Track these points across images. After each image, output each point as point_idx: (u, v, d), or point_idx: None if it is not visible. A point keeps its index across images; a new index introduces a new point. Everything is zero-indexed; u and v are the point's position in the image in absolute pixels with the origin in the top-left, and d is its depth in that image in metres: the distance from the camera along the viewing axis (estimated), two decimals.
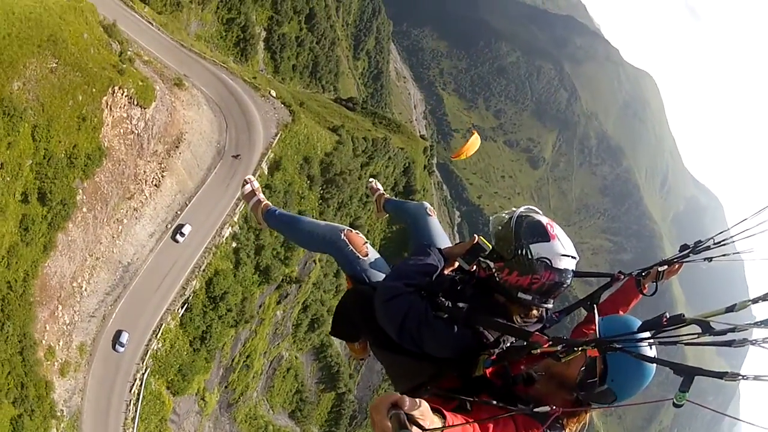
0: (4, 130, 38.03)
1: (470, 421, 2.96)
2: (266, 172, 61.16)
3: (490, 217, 4.23)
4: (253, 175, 58.50)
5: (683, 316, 2.97)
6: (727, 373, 2.56)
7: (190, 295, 52.91)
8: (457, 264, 4.70)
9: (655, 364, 3.28)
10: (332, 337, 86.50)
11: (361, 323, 4.74)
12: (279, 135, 61.78)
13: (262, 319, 66.30)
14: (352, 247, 5.16)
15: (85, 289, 46.83)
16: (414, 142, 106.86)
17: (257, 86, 66.60)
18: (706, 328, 2.82)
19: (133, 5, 63.41)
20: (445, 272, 4.63)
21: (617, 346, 3.05)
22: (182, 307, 52.74)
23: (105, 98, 45.09)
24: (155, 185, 51.25)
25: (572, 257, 3.89)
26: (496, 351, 3.79)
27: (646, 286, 4.87)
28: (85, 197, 45.74)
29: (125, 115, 47.41)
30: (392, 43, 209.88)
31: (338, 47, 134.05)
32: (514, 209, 4.05)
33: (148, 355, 49.66)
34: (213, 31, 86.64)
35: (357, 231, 5.34)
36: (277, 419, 77.47)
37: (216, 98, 59.88)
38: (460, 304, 4.04)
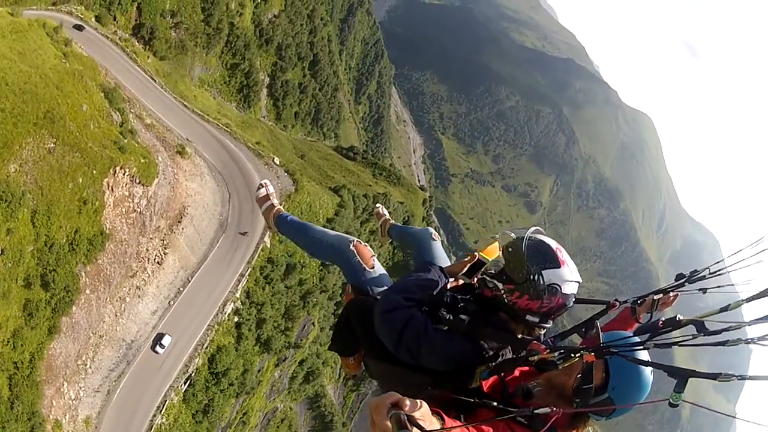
0: (2, 216, 36.94)
1: (469, 424, 3.00)
2: (269, 246, 61.19)
3: (499, 233, 4.27)
4: (256, 246, 59.06)
5: (678, 318, 3.17)
6: (720, 374, 2.62)
7: (192, 372, 52.64)
8: (460, 282, 4.79)
9: (652, 372, 3.40)
10: (325, 388, 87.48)
11: (361, 333, 4.78)
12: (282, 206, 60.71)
13: (260, 381, 66.10)
14: (359, 258, 5.26)
15: (90, 367, 46.35)
16: (413, 195, 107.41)
17: (261, 153, 67.04)
18: (701, 328, 3.00)
19: (136, 58, 64.13)
20: (447, 288, 4.65)
21: (614, 350, 3.12)
22: (185, 384, 52.45)
23: (106, 179, 44.59)
24: (158, 263, 50.95)
25: (578, 282, 3.99)
26: (494, 363, 3.91)
27: (641, 315, 4.91)
28: (87, 280, 45.03)
29: (127, 193, 47.08)
30: (393, 87, 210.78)
31: (340, 93, 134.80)
32: (521, 229, 4.10)
33: (153, 430, 49.15)
34: (217, 76, 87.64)
35: (366, 244, 5.42)
36: None
37: (219, 166, 60.17)
38: (462, 317, 4.09)
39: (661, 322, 3.36)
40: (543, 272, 3.83)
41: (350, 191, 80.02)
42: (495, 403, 3.37)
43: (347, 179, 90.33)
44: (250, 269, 58.50)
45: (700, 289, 4.58)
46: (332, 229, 6.04)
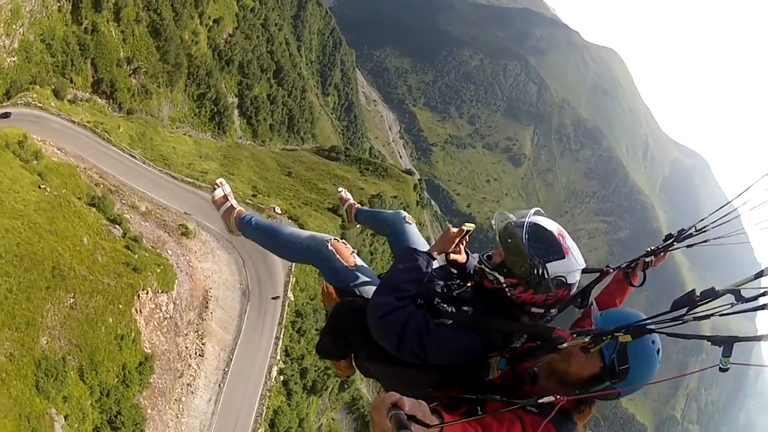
0: (54, 389, 36.17)
1: (472, 419, 2.95)
2: (292, 298, 60.70)
3: (495, 215, 4.07)
4: (282, 304, 58.75)
5: (714, 288, 2.97)
6: (764, 335, 2.55)
7: None
8: (452, 257, 4.51)
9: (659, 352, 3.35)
10: (359, 390, 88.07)
11: (356, 337, 4.54)
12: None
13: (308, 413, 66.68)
14: (339, 257, 4.95)
15: None
16: (404, 184, 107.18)
17: (261, 206, 65.58)
18: (738, 296, 2.82)
19: (110, 138, 61.75)
20: (446, 262, 4.54)
21: (652, 327, 3.00)
22: None
23: (133, 308, 43.80)
24: (199, 355, 50.61)
25: (582, 268, 3.89)
26: (509, 352, 3.76)
27: (637, 275, 4.97)
28: (147, 402, 44.72)
29: (154, 306, 46.57)
30: (357, 70, 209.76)
31: (309, 92, 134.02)
32: (520, 213, 3.91)
33: None
34: (186, 111, 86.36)
35: (344, 240, 5.14)
36: None
37: (224, 233, 58.20)
38: (465, 308, 3.98)
39: (696, 296, 3.02)
40: (547, 265, 3.69)
41: None
42: (498, 397, 3.27)
43: (338, 188, 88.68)
44: (282, 329, 58.36)
45: (688, 246, 4.83)
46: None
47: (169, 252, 50.36)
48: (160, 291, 46.86)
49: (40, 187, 43.93)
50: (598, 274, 4.78)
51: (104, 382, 40.83)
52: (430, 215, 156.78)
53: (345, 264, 4.92)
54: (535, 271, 3.68)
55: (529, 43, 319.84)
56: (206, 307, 52.18)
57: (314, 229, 64.10)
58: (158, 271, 46.66)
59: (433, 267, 4.36)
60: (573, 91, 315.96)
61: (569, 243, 3.78)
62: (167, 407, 46.75)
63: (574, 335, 3.33)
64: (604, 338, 3.11)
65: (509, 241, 3.83)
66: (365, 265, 5.08)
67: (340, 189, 7.69)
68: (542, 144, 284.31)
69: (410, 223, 5.59)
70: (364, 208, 6.87)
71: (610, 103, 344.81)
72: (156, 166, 63.85)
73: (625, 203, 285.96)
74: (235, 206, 5.94)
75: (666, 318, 3.00)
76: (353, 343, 4.67)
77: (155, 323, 46.53)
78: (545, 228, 3.79)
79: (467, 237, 4.48)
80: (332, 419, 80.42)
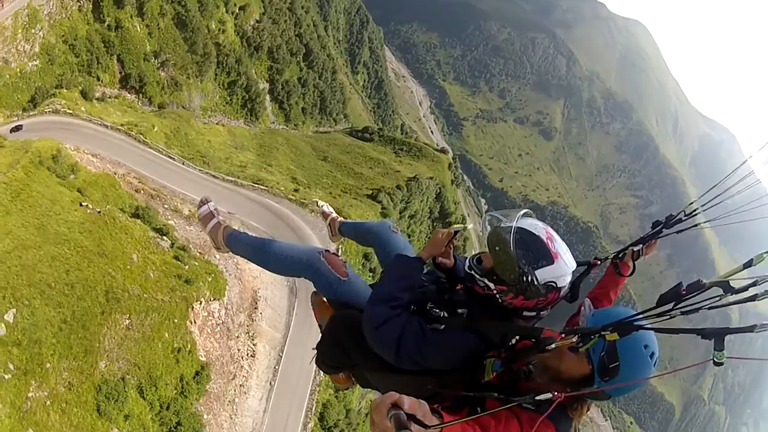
0: (115, 410, 36.09)
1: (470, 419, 2.96)
2: None
3: (486, 219, 4.07)
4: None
5: (701, 281, 2.88)
6: (756, 326, 2.54)
7: None
8: (447, 261, 4.57)
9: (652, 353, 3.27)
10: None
11: (354, 348, 4.50)
12: (339, 249, 59.48)
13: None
14: (332, 269, 4.88)
15: None
16: (439, 164, 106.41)
17: (303, 201, 64.47)
18: (727, 288, 2.74)
19: (146, 140, 60.47)
20: (433, 267, 4.60)
21: (640, 324, 2.97)
22: None
23: (188, 320, 43.55)
24: (251, 356, 50.47)
25: (573, 270, 3.84)
26: (504, 352, 3.78)
27: (628, 265, 5.03)
28: (203, 408, 44.81)
29: (206, 313, 46.31)
30: (385, 47, 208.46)
31: (339, 73, 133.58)
32: (507, 212, 3.89)
33: None
34: (217, 99, 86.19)
35: (335, 252, 5.10)
36: None
37: (268, 229, 57.42)
38: (460, 311, 4.03)
39: (683, 289, 2.94)
40: (536, 272, 3.68)
41: (385, 190, 78.74)
42: (496, 394, 3.31)
43: (375, 171, 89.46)
44: None
45: (677, 231, 4.90)
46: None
47: (217, 256, 49.80)
48: (212, 299, 46.57)
49: (81, 205, 42.66)
50: (586, 266, 4.81)
51: (163, 396, 40.61)
52: (463, 191, 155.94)
53: (338, 276, 4.85)
54: (525, 278, 3.69)
55: (556, 16, 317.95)
56: (255, 308, 51.88)
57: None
58: (209, 279, 46.05)
59: (424, 272, 4.46)
60: (601, 64, 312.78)
61: (558, 246, 3.75)
62: (221, 409, 46.85)
63: (563, 335, 3.39)
64: (592, 337, 3.12)
65: (497, 249, 3.84)
66: (358, 275, 5.02)
67: (321, 203, 7.53)
68: (573, 117, 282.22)
69: (396, 232, 5.60)
70: (348, 220, 6.87)
71: (638, 76, 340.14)
72: (195, 165, 62.95)
73: (656, 177, 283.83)
74: (221, 223, 5.85)
75: (653, 314, 2.97)
76: (351, 354, 4.63)
77: (208, 330, 46.38)
78: (533, 233, 3.76)
79: (456, 238, 4.51)
80: (371, 401, 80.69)
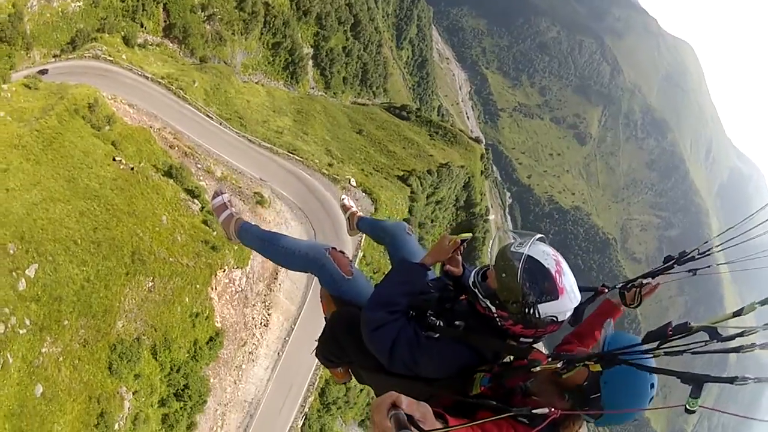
0: (127, 369, 35.81)
1: (474, 424, 2.98)
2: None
3: (498, 236, 4.24)
4: None
5: (689, 323, 2.86)
6: (737, 378, 2.57)
7: (307, 411, 53.94)
8: (455, 269, 4.50)
9: (651, 385, 3.30)
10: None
11: (351, 346, 4.60)
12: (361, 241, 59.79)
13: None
14: (337, 267, 5.04)
15: None
16: (471, 153, 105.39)
17: (336, 177, 63.99)
18: (714, 334, 2.73)
19: (186, 96, 58.99)
20: (441, 273, 4.60)
21: (623, 359, 3.00)
22: (302, 420, 53.95)
23: (210, 287, 43.30)
24: (264, 325, 50.52)
25: (577, 302, 3.75)
26: (494, 368, 3.79)
27: (635, 297, 4.87)
28: (211, 372, 44.95)
29: (227, 280, 46.05)
30: (433, 27, 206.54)
31: (384, 47, 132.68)
32: (520, 237, 3.83)
33: None
34: (260, 58, 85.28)
35: (342, 250, 5.26)
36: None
37: (297, 201, 57.42)
38: (457, 323, 4.02)
39: (670, 329, 2.95)
40: (539, 306, 3.65)
41: (416, 174, 78.32)
42: (494, 403, 3.36)
43: (407, 151, 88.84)
44: None
45: (689, 271, 4.72)
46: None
47: None
48: (235, 267, 46.19)
49: (114, 160, 41.26)
50: (592, 293, 4.79)
51: (176, 359, 40.39)
52: (491, 183, 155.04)
53: (342, 273, 4.99)
54: (527, 309, 3.65)
55: (606, 23, 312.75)
56: (275, 279, 51.66)
57: (385, 201, 63.53)
58: (235, 248, 45.23)
59: (429, 278, 4.45)
60: (645, 78, 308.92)
61: (566, 281, 3.67)
62: (227, 374, 46.95)
63: (549, 359, 3.45)
64: (576, 365, 3.14)
65: (503, 275, 3.76)
66: (362, 273, 5.16)
67: (343, 196, 7.76)
68: (609, 126, 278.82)
69: (410, 234, 5.69)
70: (366, 217, 7.08)
71: (679, 97, 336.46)
72: (232, 127, 61.95)
73: (681, 201, 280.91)
74: (234, 215, 6.08)
75: (638, 350, 3.00)
76: (348, 351, 4.70)
77: (227, 297, 46.08)
78: (542, 265, 3.66)
79: (463, 246, 4.44)
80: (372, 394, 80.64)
